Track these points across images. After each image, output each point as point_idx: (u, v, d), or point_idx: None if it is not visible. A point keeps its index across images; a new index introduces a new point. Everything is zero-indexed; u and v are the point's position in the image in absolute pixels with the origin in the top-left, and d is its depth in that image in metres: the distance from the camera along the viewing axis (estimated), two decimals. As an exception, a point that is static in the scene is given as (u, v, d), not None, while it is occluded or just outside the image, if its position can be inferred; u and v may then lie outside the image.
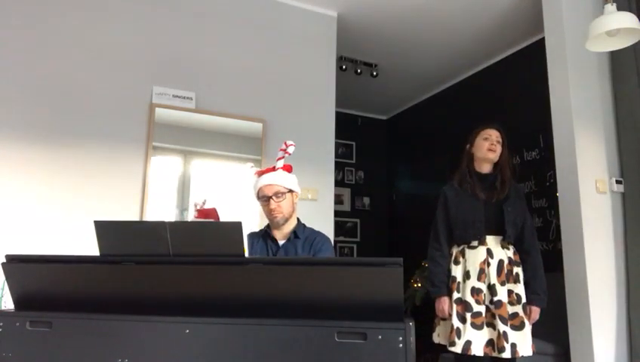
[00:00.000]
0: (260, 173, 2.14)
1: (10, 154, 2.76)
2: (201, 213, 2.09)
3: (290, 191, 2.12)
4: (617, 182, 3.03)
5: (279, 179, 2.09)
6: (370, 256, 2.58)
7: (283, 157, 2.12)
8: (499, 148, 2.46)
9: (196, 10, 3.37)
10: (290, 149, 2.11)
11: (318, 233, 2.18)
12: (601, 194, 2.97)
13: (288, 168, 2.14)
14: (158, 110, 3.12)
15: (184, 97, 3.21)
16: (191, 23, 3.34)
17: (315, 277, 1.14)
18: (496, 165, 2.49)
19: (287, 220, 2.12)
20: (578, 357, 2.81)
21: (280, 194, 2.07)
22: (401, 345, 1.06)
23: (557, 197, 3.10)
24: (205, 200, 2.27)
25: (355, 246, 5.63)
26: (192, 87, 3.25)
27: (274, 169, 2.12)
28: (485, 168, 2.49)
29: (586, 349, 2.76)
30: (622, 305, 2.87)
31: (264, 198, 2.09)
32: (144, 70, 3.15)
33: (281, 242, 2.14)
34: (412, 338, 1.07)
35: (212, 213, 2.07)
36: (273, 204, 2.06)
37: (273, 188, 2.07)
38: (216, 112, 3.28)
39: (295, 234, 2.13)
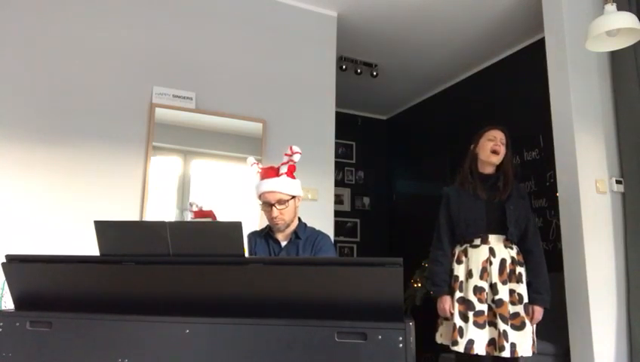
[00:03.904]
0: (263, 174, 2.08)
1: (10, 154, 2.76)
2: (199, 213, 2.09)
3: (293, 196, 2.09)
4: (617, 182, 3.02)
5: (283, 186, 2.04)
6: (370, 256, 2.58)
7: (287, 162, 2.06)
8: (503, 150, 2.46)
9: (196, 10, 3.37)
10: (296, 157, 2.06)
11: (319, 232, 2.18)
12: (601, 194, 2.97)
13: (292, 169, 2.08)
14: (158, 110, 3.12)
15: (184, 97, 3.21)
16: (191, 23, 3.34)
17: (315, 277, 1.14)
18: (499, 166, 2.50)
19: (288, 225, 2.11)
20: (578, 357, 2.80)
21: (283, 202, 2.04)
22: (401, 345, 1.06)
23: (557, 197, 3.09)
24: (196, 204, 2.23)
25: (355, 246, 5.62)
26: (192, 87, 3.25)
27: (277, 173, 2.06)
28: (488, 169, 2.50)
29: (586, 349, 2.76)
30: (622, 305, 2.87)
31: (266, 204, 2.06)
32: (144, 70, 3.15)
33: (283, 243, 2.13)
34: (412, 339, 1.07)
35: (210, 214, 2.07)
36: (275, 212, 2.03)
37: (276, 195, 2.03)
38: (216, 112, 3.28)
39: (296, 234, 2.12)
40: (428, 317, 2.56)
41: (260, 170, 2.11)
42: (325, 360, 1.07)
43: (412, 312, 4.08)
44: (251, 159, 2.15)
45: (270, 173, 2.07)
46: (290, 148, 2.07)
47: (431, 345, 2.50)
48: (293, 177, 2.10)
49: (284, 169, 2.06)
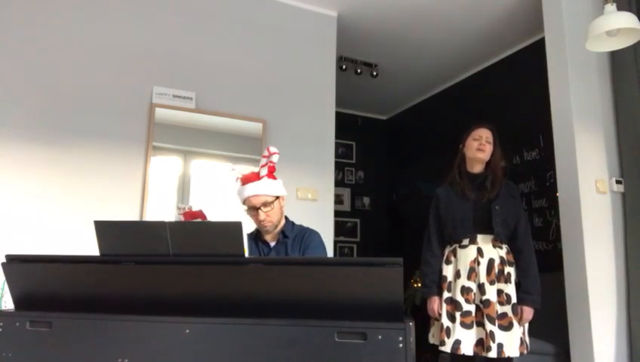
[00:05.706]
0: (244, 180, 2.07)
1: (10, 154, 2.76)
2: (188, 215, 2.08)
3: (277, 197, 2.09)
4: (617, 182, 3.02)
5: (265, 189, 2.03)
6: (370, 256, 2.58)
7: (266, 164, 2.05)
8: (488, 148, 2.46)
9: (196, 11, 3.37)
10: (275, 158, 2.05)
11: (307, 229, 2.18)
12: (601, 194, 2.97)
13: (272, 170, 2.08)
14: (158, 110, 3.12)
15: (184, 97, 3.21)
16: (191, 23, 3.34)
17: (315, 277, 1.14)
18: (487, 165, 2.50)
19: (276, 226, 2.11)
20: (578, 357, 2.80)
21: (268, 204, 2.04)
22: (401, 345, 1.06)
23: (557, 197, 3.09)
24: (183, 207, 2.22)
25: (355, 246, 5.62)
26: (192, 87, 3.25)
27: (258, 176, 2.06)
28: (477, 168, 2.50)
29: (586, 349, 2.76)
30: (622, 305, 2.87)
31: (252, 209, 2.05)
32: (144, 70, 3.15)
33: (272, 243, 2.14)
34: (412, 339, 1.07)
35: (199, 215, 2.06)
36: (262, 215, 2.04)
37: (260, 198, 2.03)
38: (216, 112, 3.28)
39: (284, 234, 2.12)
40: (428, 317, 2.55)
41: (240, 176, 2.10)
42: (325, 360, 1.07)
43: (412, 312, 4.08)
44: (230, 166, 2.15)
45: (252, 177, 2.07)
46: (268, 149, 2.06)
47: (431, 345, 2.49)
48: (275, 178, 2.09)
49: (264, 171, 2.05)
